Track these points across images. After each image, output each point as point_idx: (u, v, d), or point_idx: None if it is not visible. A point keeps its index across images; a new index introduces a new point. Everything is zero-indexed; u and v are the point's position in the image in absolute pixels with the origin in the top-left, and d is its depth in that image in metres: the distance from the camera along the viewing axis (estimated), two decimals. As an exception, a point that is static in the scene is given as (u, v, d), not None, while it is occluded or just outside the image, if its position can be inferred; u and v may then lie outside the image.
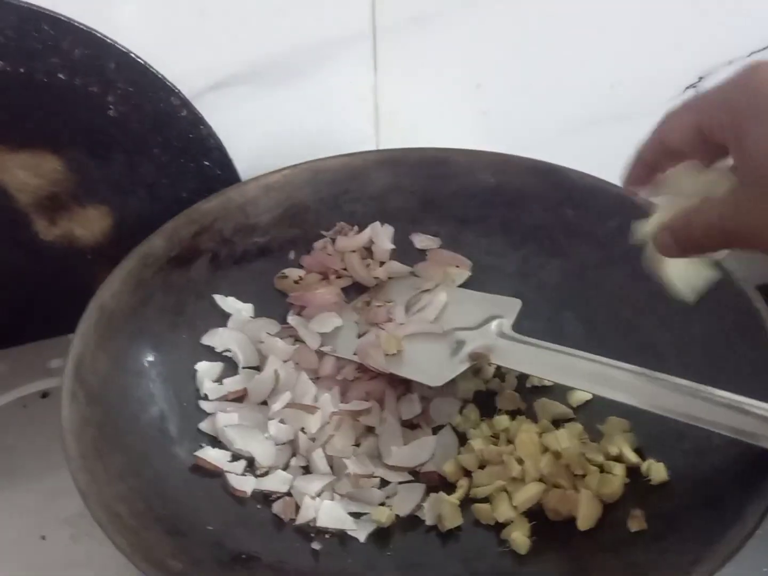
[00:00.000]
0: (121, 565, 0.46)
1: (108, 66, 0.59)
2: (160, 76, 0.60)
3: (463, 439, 0.49)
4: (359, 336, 0.53)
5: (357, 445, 0.49)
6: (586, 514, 0.41)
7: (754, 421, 0.39)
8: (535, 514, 0.44)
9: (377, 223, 0.61)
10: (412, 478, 0.47)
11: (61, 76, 0.58)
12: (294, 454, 0.48)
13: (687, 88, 0.75)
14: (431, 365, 0.50)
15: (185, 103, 0.62)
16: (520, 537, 0.42)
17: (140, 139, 0.62)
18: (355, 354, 0.51)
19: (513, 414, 0.50)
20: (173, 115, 0.62)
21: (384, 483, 0.47)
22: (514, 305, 0.52)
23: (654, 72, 0.72)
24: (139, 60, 0.59)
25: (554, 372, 0.46)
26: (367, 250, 0.62)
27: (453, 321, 0.52)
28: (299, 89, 0.65)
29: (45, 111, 0.59)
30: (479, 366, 0.52)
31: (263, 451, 0.47)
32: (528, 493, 0.43)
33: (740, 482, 0.39)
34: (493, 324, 0.50)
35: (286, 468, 0.47)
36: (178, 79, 0.61)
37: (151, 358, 0.51)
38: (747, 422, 0.39)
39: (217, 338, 0.54)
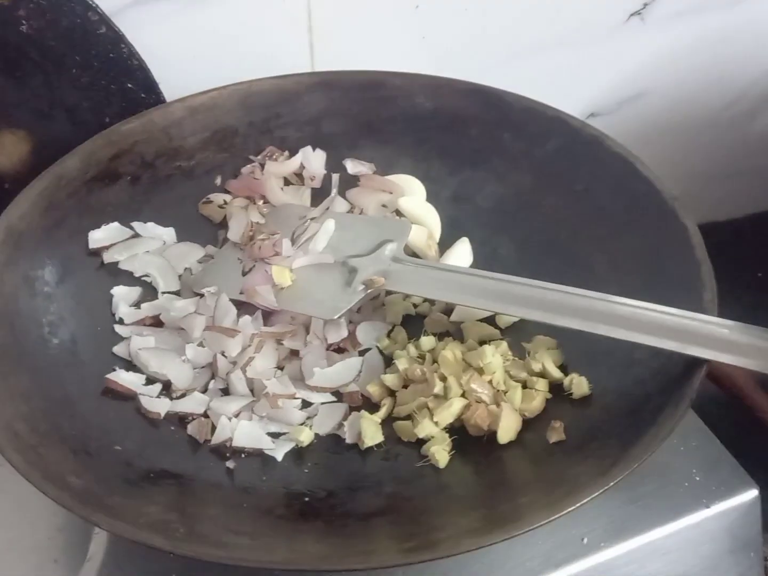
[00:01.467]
0: (32, 490, 0.45)
1: (17, -25, 0.55)
2: (75, -12, 0.57)
3: (389, 362, 0.48)
4: (244, 274, 0.49)
5: (281, 368, 0.47)
6: (505, 428, 0.41)
7: (677, 329, 0.39)
8: (457, 431, 0.43)
9: (308, 148, 0.59)
10: (335, 399, 0.46)
11: (-35, -15, 0.54)
12: (213, 378, 0.46)
13: (632, 15, 0.73)
14: (325, 297, 0.47)
15: (104, 20, 0.59)
16: (439, 451, 0.41)
17: (57, 58, 0.59)
18: (241, 293, 0.48)
19: (441, 336, 0.48)
20: (92, 32, 0.59)
21: (306, 405, 0.46)
22: (404, 228, 0.51)
23: (597, -3, 0.70)
24: (50, -30, 0.56)
25: (450, 293, 0.45)
26: (298, 176, 0.60)
27: (344, 249, 0.49)
28: (229, 5, 0.62)
29: (-50, 25, 0.55)
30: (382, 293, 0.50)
31: (179, 374, 0.45)
32: (450, 409, 0.42)
33: (658, 391, 0.39)
34: (386, 249, 0.48)
35: (204, 391, 0.46)
36: (96, -8, 0.57)
37: (63, 282, 0.49)
38: (670, 332, 0.39)
39: (136, 262, 0.51)
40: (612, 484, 0.35)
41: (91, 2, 0.58)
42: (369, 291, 0.47)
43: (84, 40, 0.59)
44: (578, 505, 0.34)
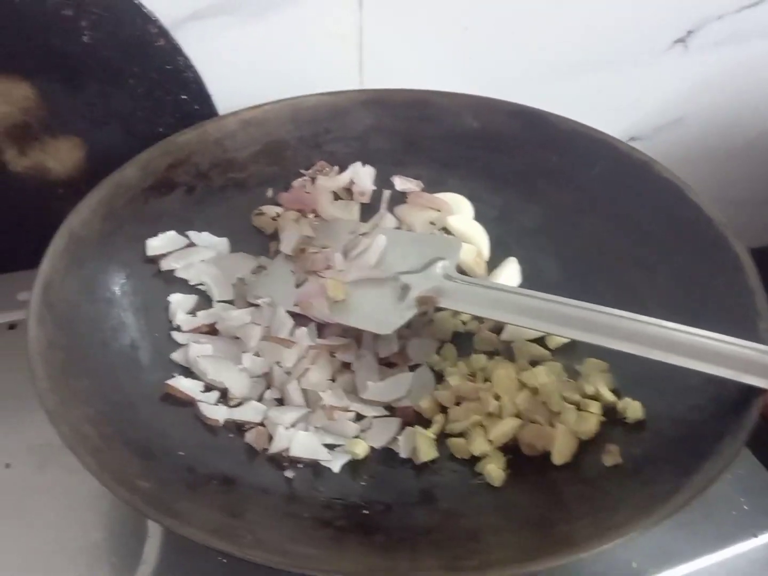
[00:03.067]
0: (90, 492, 0.46)
1: (82, -13, 0.56)
2: (136, 2, 0.58)
3: (439, 377, 0.48)
4: (297, 286, 0.50)
5: (333, 380, 0.48)
6: (561, 449, 0.41)
7: (733, 357, 0.39)
8: (510, 449, 0.43)
9: (358, 163, 0.60)
10: (388, 413, 0.46)
11: (32, -5, 0.55)
12: (268, 387, 0.47)
13: (676, 41, 0.74)
14: (378, 312, 0.47)
15: (163, 33, 0.60)
16: (495, 469, 0.41)
17: (115, 68, 0.61)
18: (295, 305, 0.49)
19: (490, 355, 0.49)
20: (150, 44, 0.60)
21: (359, 419, 0.46)
22: (455, 246, 0.51)
23: (644, 22, 0.71)
24: (115, -17, 0.57)
25: (502, 312, 0.45)
26: (347, 191, 0.61)
27: (395, 265, 0.50)
28: (282, 23, 0.63)
29: (16, 34, 0.57)
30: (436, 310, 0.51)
31: (237, 382, 0.46)
32: (504, 428, 0.42)
33: (717, 418, 0.40)
34: (438, 266, 0.49)
35: (260, 400, 0.46)
36: (156, 6, 0.59)
37: (122, 288, 0.50)
38: (726, 360, 0.39)
39: (191, 271, 0.52)
40: (673, 512, 0.35)
41: (151, 15, 0.59)
42: (422, 307, 0.48)
43: (142, 51, 0.60)
44: (638, 531, 0.34)
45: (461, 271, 0.54)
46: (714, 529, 0.45)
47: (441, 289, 0.48)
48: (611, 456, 0.41)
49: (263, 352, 0.48)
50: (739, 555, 0.44)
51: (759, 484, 0.47)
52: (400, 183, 0.60)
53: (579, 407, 0.44)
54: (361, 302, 0.49)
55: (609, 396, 0.44)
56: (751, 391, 0.39)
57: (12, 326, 0.58)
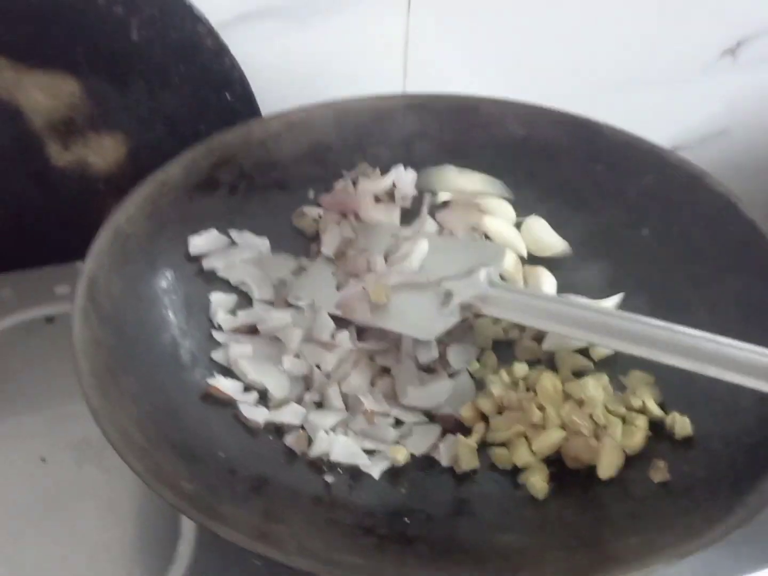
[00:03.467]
0: (125, 491, 0.46)
1: (133, -15, 0.57)
2: (187, 2, 0.58)
3: (480, 385, 0.48)
4: (338, 288, 0.50)
5: (372, 385, 0.48)
6: (607, 462, 0.41)
7: None
8: (553, 462, 0.42)
9: (401, 167, 0.59)
10: (427, 420, 0.46)
11: (84, -7, 0.56)
12: (308, 389, 0.47)
13: (724, 53, 0.73)
14: (420, 318, 0.47)
15: (211, 33, 0.60)
16: (538, 482, 0.41)
17: (162, 67, 0.61)
18: (337, 308, 0.48)
19: (532, 364, 0.48)
20: (198, 44, 0.60)
21: (398, 424, 0.46)
22: (499, 252, 0.50)
23: (693, 34, 0.70)
24: (166, -18, 0.57)
25: (547, 321, 0.44)
26: (389, 195, 0.60)
27: (437, 270, 0.49)
28: (328, 28, 0.63)
29: (66, 30, 0.57)
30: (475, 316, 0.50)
31: (277, 383, 0.46)
32: (549, 439, 0.42)
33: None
34: (482, 273, 0.48)
35: (299, 402, 0.46)
36: (205, 7, 0.59)
37: (165, 286, 0.50)
38: None
39: (232, 271, 0.52)
40: (726, 534, 0.34)
41: (200, 16, 0.59)
42: (464, 314, 0.47)
43: (190, 51, 0.60)
44: (691, 552, 0.34)
45: (501, 277, 0.53)
46: (757, 548, 0.44)
47: (484, 296, 0.47)
48: (659, 472, 0.40)
49: (303, 354, 0.47)
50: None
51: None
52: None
53: (625, 421, 0.43)
54: (403, 307, 0.48)
55: (656, 410, 0.43)
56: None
57: (50, 319, 0.58)
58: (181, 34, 0.59)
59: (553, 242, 0.56)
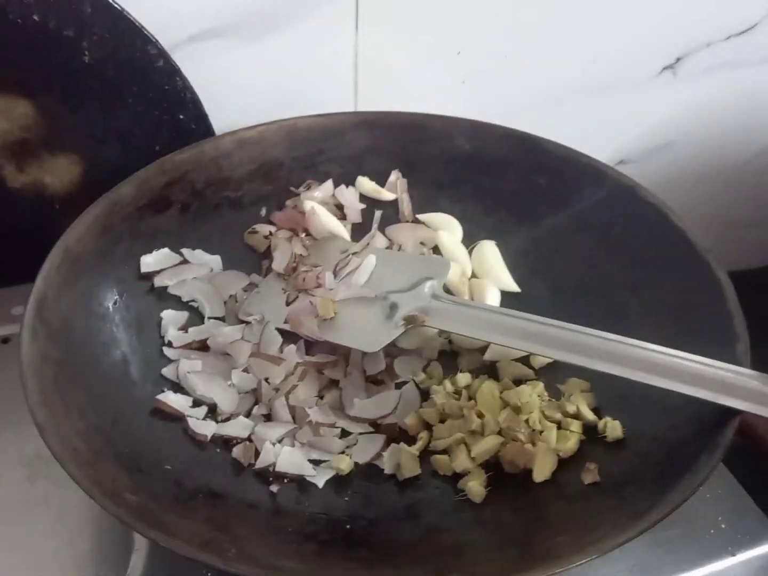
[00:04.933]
0: (79, 504, 0.47)
1: (84, 10, 0.58)
2: (137, 23, 0.59)
3: (426, 396, 0.49)
4: (288, 304, 0.52)
5: (321, 397, 0.49)
6: (541, 466, 0.42)
7: (711, 379, 0.40)
8: (492, 466, 0.44)
9: (342, 186, 0.61)
10: (373, 430, 0.47)
11: (35, 17, 0.57)
12: (256, 403, 0.48)
13: (664, 68, 0.75)
14: (366, 331, 0.48)
15: (162, 54, 0.61)
16: (476, 486, 0.42)
17: (115, 87, 0.62)
18: (285, 322, 0.50)
19: (476, 373, 0.50)
20: (150, 65, 0.62)
21: (345, 435, 0.47)
22: (444, 266, 0.52)
23: (633, 49, 0.73)
24: (115, 5, 0.58)
25: (488, 332, 0.46)
26: (340, 211, 0.62)
27: (384, 284, 0.51)
28: (277, 44, 0.65)
29: (18, 53, 0.58)
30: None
31: (225, 398, 0.47)
32: (486, 445, 0.43)
33: (693, 438, 0.40)
34: (426, 286, 0.50)
35: (248, 416, 0.47)
36: (155, 28, 0.60)
37: (115, 303, 0.51)
38: (704, 381, 0.40)
39: (184, 288, 0.53)
40: (648, 527, 0.36)
41: (150, 37, 0.60)
42: (409, 326, 0.49)
43: (142, 72, 0.61)
44: (616, 546, 0.35)
45: (447, 290, 0.55)
46: (693, 548, 0.45)
47: (428, 308, 0.49)
48: (590, 474, 0.42)
49: (252, 368, 0.48)
50: (717, 572, 0.45)
51: (737, 505, 0.47)
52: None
53: (560, 426, 0.45)
54: (349, 320, 0.50)
55: (589, 415, 0.45)
56: (728, 413, 0.40)
57: (5, 340, 0.59)
58: (132, 55, 0.60)
59: (501, 277, 0.57)
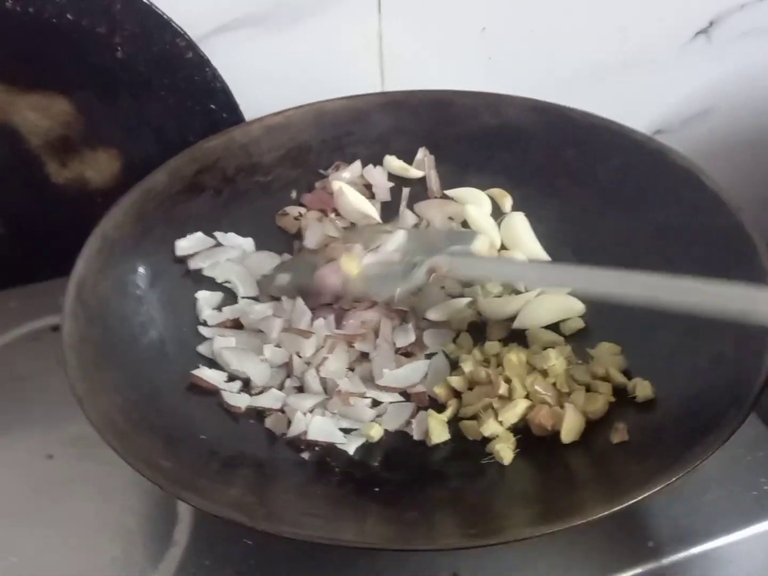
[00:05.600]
0: (124, 481, 0.49)
1: (114, 6, 0.60)
2: (165, 17, 0.61)
3: (455, 366, 0.50)
4: None
5: (351, 369, 0.50)
6: (569, 427, 0.42)
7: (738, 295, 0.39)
8: (521, 431, 0.44)
9: (369, 166, 0.61)
10: (404, 399, 0.48)
11: (69, 16, 0.59)
12: (289, 376, 0.49)
13: (697, 33, 0.74)
14: (386, 282, 0.49)
15: (191, 45, 0.63)
16: (504, 449, 0.42)
17: (147, 81, 0.64)
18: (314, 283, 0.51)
19: (506, 342, 0.50)
20: (179, 57, 0.63)
21: (376, 405, 0.48)
22: (470, 235, 0.53)
23: (663, 17, 0.71)
24: (144, 0, 0.60)
25: (508, 276, 0.48)
26: (369, 190, 0.62)
27: (412, 253, 0.51)
28: (303, 33, 0.66)
29: (54, 52, 0.60)
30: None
31: (258, 372, 0.48)
32: (514, 409, 0.43)
33: (720, 397, 0.40)
34: (452, 248, 0.50)
35: (281, 389, 0.48)
36: (184, 20, 0.62)
37: (151, 286, 0.52)
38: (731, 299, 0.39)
39: (218, 270, 0.55)
40: (672, 480, 0.36)
41: (179, 29, 0.62)
42: (432, 277, 0.49)
43: (172, 64, 0.63)
44: (637, 499, 0.35)
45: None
46: (733, 510, 0.45)
47: (450, 260, 0.49)
48: (619, 433, 0.41)
49: (284, 343, 0.50)
50: (758, 535, 0.44)
51: (779, 466, 0.46)
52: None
53: (589, 388, 0.45)
54: (372, 277, 0.50)
55: (618, 377, 0.45)
56: (756, 369, 0.39)
57: (55, 328, 0.61)
58: (162, 48, 0.62)
59: (530, 247, 0.57)
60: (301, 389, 0.49)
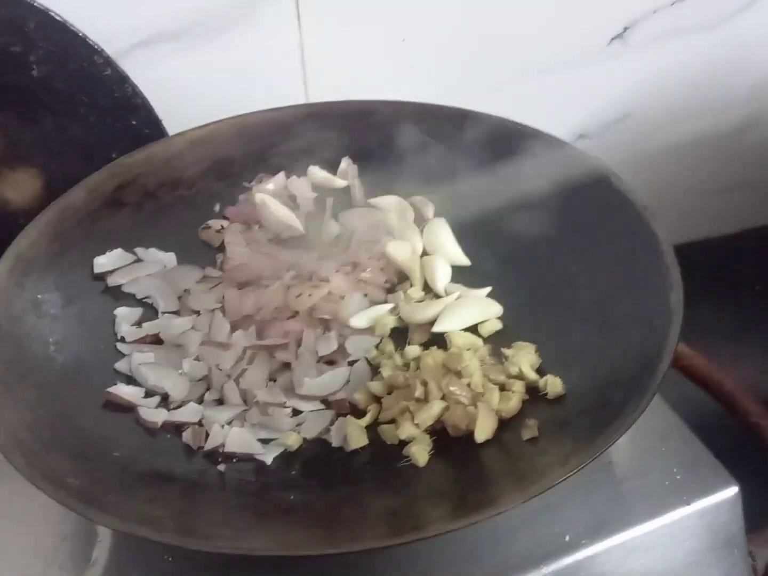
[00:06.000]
0: (42, 503, 0.48)
1: (28, 25, 0.60)
2: (81, 34, 0.61)
3: (377, 372, 0.50)
4: None
5: (273, 380, 0.50)
6: (482, 427, 0.43)
7: None
8: (439, 432, 0.45)
9: (293, 177, 0.62)
10: (324, 408, 0.48)
11: (-20, 35, 0.58)
12: (208, 389, 0.49)
13: (613, 39, 0.76)
14: None
15: (109, 62, 0.63)
16: (419, 451, 0.43)
17: (66, 99, 0.63)
18: None
19: (427, 346, 0.51)
20: (97, 74, 0.63)
21: (297, 414, 0.48)
22: None
23: (579, 23, 0.73)
24: (58, 18, 0.60)
25: None
26: (293, 201, 0.63)
27: None
28: (224, 46, 0.66)
29: (-33, 72, 0.59)
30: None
31: (176, 386, 0.48)
32: (429, 411, 0.44)
33: (626, 387, 0.41)
34: None
35: (200, 402, 0.48)
36: (101, 37, 0.62)
37: (68, 305, 0.52)
38: None
39: (138, 285, 0.54)
40: (575, 470, 0.36)
41: (96, 46, 0.62)
42: None
43: (90, 81, 0.63)
44: (544, 490, 0.36)
45: (399, 269, 0.56)
46: (647, 499, 0.46)
47: None
48: (529, 430, 0.42)
49: (203, 356, 0.49)
50: (672, 523, 0.45)
51: (691, 456, 0.47)
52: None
53: (504, 387, 0.45)
54: None
55: (531, 375, 0.45)
56: (657, 360, 0.41)
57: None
58: (79, 66, 0.62)
59: (451, 252, 0.58)
60: (221, 402, 0.48)
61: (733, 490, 0.47)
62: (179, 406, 0.48)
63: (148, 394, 0.48)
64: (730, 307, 0.73)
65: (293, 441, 0.45)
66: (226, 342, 0.49)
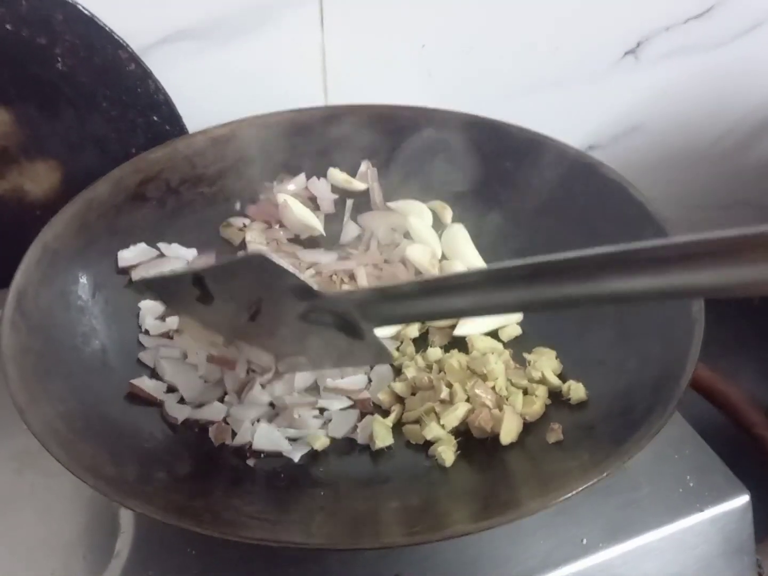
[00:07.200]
0: (65, 494, 0.48)
1: (55, 17, 0.60)
2: (107, 29, 0.61)
3: (399, 372, 0.51)
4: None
5: (295, 377, 0.50)
6: (507, 429, 0.44)
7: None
8: (462, 434, 0.45)
9: (314, 178, 0.62)
10: (350, 404, 0.48)
11: (8, 26, 0.59)
12: (226, 394, 0.49)
13: (626, 53, 0.77)
14: None
15: (133, 57, 0.63)
16: (445, 451, 0.43)
17: (89, 93, 0.63)
18: None
19: (447, 349, 0.52)
20: (121, 69, 0.63)
21: (322, 413, 0.49)
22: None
23: (593, 37, 0.75)
24: (86, 12, 0.60)
25: None
26: (313, 202, 0.63)
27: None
28: (247, 46, 0.66)
29: (-7, 62, 0.59)
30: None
31: (188, 385, 0.48)
32: (455, 413, 0.45)
33: (648, 395, 0.42)
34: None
35: (221, 400, 0.49)
36: (126, 32, 0.62)
37: (94, 297, 0.52)
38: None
39: (161, 280, 0.55)
40: (604, 475, 0.37)
41: (121, 41, 0.62)
42: None
43: (114, 76, 0.63)
44: (570, 495, 0.37)
45: (417, 271, 0.57)
46: (661, 505, 0.47)
47: None
48: (554, 434, 0.43)
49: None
50: (685, 529, 0.46)
51: (704, 463, 0.49)
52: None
53: (526, 392, 0.46)
54: None
55: (554, 380, 0.46)
56: (681, 369, 0.42)
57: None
58: (104, 60, 0.62)
59: (469, 257, 0.59)
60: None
61: (744, 498, 0.48)
62: (201, 405, 0.48)
63: (171, 389, 0.49)
64: (730, 320, 0.74)
65: (320, 444, 0.46)
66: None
